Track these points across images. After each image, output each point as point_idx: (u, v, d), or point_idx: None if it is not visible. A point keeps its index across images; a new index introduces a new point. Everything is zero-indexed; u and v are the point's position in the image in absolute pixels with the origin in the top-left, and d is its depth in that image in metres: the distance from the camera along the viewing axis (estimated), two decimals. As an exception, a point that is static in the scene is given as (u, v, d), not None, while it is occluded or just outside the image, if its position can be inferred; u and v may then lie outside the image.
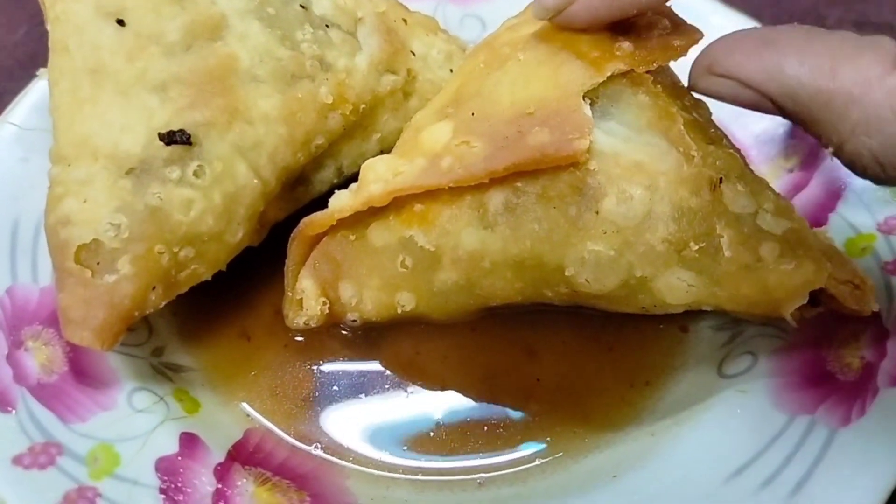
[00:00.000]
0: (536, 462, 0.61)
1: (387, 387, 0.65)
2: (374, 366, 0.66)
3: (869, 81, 0.45)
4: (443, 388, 0.65)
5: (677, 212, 0.54)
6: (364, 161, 0.69)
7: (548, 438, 0.62)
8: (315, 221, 0.60)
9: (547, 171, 0.55)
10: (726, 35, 0.50)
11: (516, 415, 0.63)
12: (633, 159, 0.55)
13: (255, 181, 0.61)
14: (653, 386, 0.64)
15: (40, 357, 0.60)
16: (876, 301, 0.57)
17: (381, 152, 0.71)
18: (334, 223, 0.60)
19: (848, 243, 0.64)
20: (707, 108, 0.62)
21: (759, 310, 0.57)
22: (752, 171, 0.58)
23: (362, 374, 0.66)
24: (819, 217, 0.66)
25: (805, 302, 0.55)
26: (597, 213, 0.55)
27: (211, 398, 0.64)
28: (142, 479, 0.55)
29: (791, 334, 0.61)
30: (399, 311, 0.62)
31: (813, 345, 0.61)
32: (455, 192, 0.57)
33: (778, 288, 0.55)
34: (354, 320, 0.63)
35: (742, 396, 0.60)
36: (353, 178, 0.68)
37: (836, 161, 0.53)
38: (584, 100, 0.55)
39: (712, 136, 0.59)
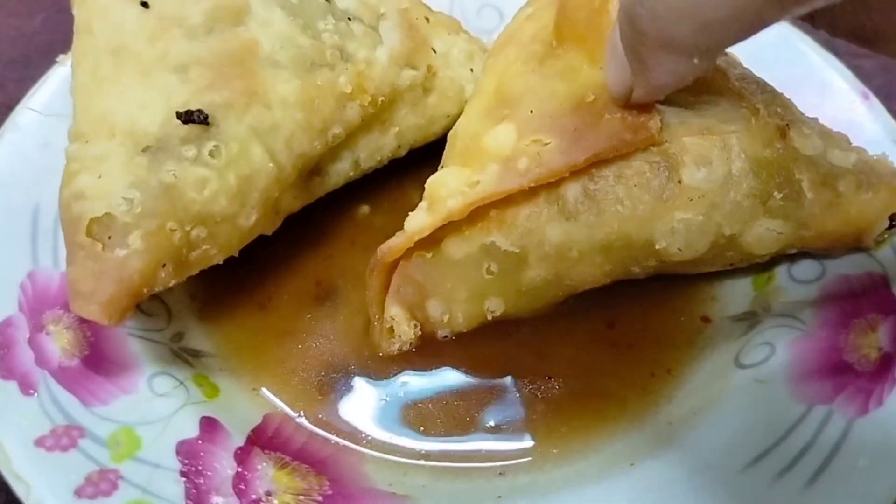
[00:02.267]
0: (554, 450, 0.61)
1: (404, 374, 0.65)
2: (393, 355, 0.66)
3: None
4: (463, 376, 0.65)
5: (756, 165, 0.56)
6: (381, 155, 0.70)
7: (565, 428, 0.62)
8: (393, 247, 0.60)
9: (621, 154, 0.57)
10: None
11: (535, 404, 0.63)
12: (701, 124, 0.57)
13: (271, 165, 0.61)
14: (674, 374, 0.64)
15: (61, 341, 0.61)
16: None
17: (399, 147, 0.72)
18: (412, 245, 0.60)
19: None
20: (741, 64, 0.63)
21: (843, 243, 0.60)
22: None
23: (380, 361, 0.66)
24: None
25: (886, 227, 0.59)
26: (679, 182, 0.56)
27: (229, 383, 0.64)
28: (163, 462, 0.56)
29: (808, 325, 0.61)
30: (489, 317, 0.63)
31: (831, 335, 0.61)
32: (529, 190, 0.58)
33: (860, 218, 0.59)
34: (446, 336, 0.64)
35: (760, 386, 0.60)
36: (370, 171, 0.70)
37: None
38: None
39: (762, 85, 0.60)
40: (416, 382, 0.65)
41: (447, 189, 0.59)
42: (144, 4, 0.60)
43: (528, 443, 0.62)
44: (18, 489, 0.53)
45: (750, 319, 0.65)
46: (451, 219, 0.58)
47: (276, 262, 0.70)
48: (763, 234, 0.58)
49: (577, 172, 0.57)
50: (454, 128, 0.66)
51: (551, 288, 0.61)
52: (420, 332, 0.64)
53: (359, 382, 0.65)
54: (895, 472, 0.53)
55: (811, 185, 0.57)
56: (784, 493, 0.53)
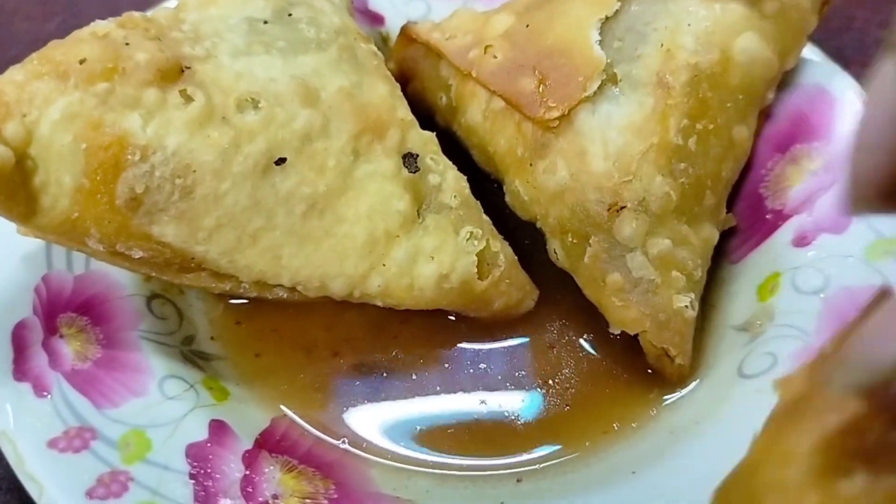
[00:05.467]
0: (557, 460, 0.62)
1: (412, 383, 0.66)
2: (398, 362, 0.67)
3: None
4: (465, 389, 0.66)
5: (578, 207, 0.62)
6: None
7: (567, 437, 0.63)
8: (407, 30, 0.76)
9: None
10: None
11: (537, 415, 0.64)
12: (584, 147, 0.62)
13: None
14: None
15: (74, 344, 0.62)
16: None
17: None
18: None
19: (870, 247, 0.64)
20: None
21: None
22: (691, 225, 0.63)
23: (387, 369, 0.67)
24: (841, 220, 0.67)
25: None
26: (531, 164, 0.64)
27: (238, 387, 0.65)
28: (172, 464, 0.57)
29: (811, 335, 0.62)
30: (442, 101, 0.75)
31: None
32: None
33: (603, 308, 0.64)
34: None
35: (761, 396, 0.60)
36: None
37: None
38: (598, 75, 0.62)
39: (684, 169, 0.62)
40: (420, 391, 0.66)
41: (450, 24, 0.72)
42: (280, 161, 0.59)
43: (531, 451, 0.63)
44: (32, 489, 0.54)
45: (753, 330, 0.65)
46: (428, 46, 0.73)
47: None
48: (552, 249, 0.67)
49: None
50: None
51: None
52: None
53: (366, 388, 0.66)
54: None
55: (591, 255, 0.62)
56: (784, 502, 0.54)
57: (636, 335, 0.63)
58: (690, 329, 0.63)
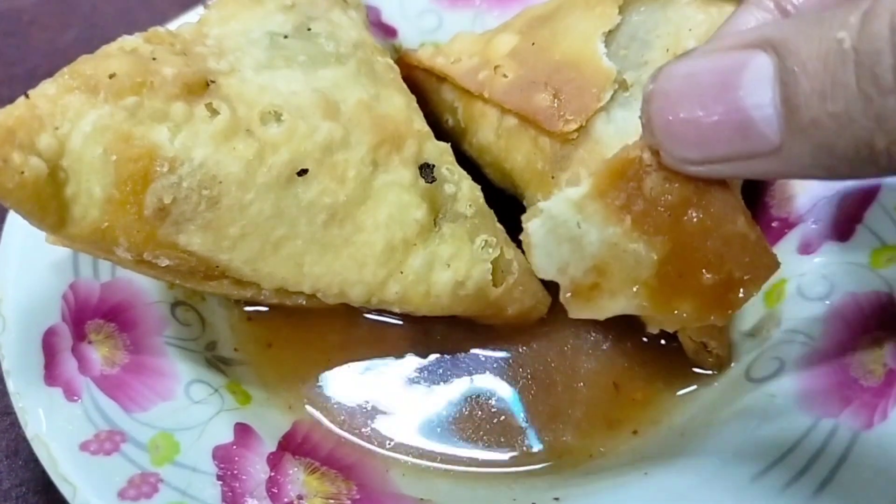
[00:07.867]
0: (568, 458, 0.64)
1: (430, 385, 0.68)
2: (417, 365, 0.70)
3: None
4: (478, 386, 0.68)
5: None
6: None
7: (581, 438, 0.65)
8: (408, 58, 0.78)
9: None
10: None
11: (551, 416, 0.66)
12: (604, 154, 0.62)
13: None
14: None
15: (103, 350, 0.64)
16: None
17: None
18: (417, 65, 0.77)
19: (873, 254, 0.66)
20: None
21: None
22: None
23: (407, 369, 0.69)
24: (845, 228, 0.68)
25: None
26: (553, 177, 0.65)
27: (259, 391, 0.67)
28: (200, 466, 0.59)
29: (817, 340, 0.64)
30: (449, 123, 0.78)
31: (838, 351, 0.63)
32: None
33: None
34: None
35: (769, 399, 0.62)
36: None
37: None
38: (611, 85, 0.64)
39: None
40: (435, 391, 0.68)
41: (453, 48, 0.74)
42: (302, 172, 0.61)
43: (542, 450, 0.65)
44: (65, 491, 0.56)
45: (761, 335, 0.67)
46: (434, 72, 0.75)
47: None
48: None
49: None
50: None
51: None
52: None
53: (385, 390, 0.68)
54: (898, 484, 0.55)
55: None
56: (791, 503, 0.56)
57: (662, 332, 0.65)
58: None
